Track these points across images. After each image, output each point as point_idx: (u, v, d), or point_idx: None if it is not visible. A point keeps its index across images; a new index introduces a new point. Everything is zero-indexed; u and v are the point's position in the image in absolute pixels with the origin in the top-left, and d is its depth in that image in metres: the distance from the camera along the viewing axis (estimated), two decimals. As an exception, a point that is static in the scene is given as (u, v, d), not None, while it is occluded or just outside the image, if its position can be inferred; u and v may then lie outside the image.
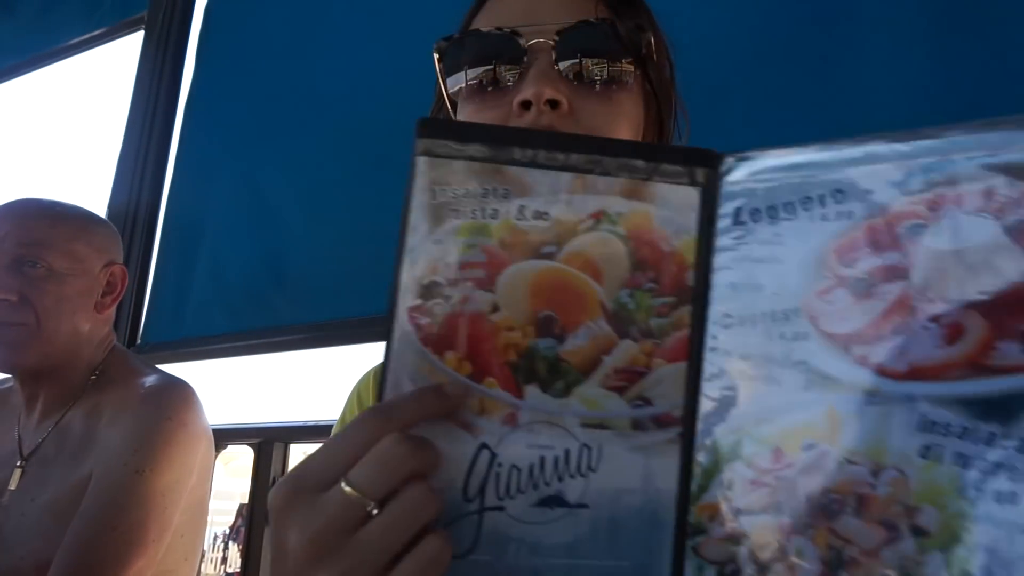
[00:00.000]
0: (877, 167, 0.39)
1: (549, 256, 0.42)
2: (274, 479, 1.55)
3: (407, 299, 0.42)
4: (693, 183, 0.44)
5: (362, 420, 0.40)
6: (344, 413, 0.75)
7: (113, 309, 1.26)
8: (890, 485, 0.36)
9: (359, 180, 1.65)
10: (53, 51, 2.49)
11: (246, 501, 1.60)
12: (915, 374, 0.36)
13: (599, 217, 0.43)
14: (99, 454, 1.09)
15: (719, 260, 0.42)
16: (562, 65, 0.60)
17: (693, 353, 0.42)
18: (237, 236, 1.82)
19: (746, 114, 1.20)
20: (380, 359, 0.42)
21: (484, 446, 0.41)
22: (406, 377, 0.41)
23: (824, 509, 0.37)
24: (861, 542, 0.36)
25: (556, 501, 0.41)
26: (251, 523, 1.53)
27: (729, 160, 0.43)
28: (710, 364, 0.42)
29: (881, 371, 0.37)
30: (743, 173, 0.43)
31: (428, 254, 0.42)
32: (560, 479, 0.41)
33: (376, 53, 1.69)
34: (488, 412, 0.41)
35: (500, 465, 0.41)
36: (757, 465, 0.40)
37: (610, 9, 0.64)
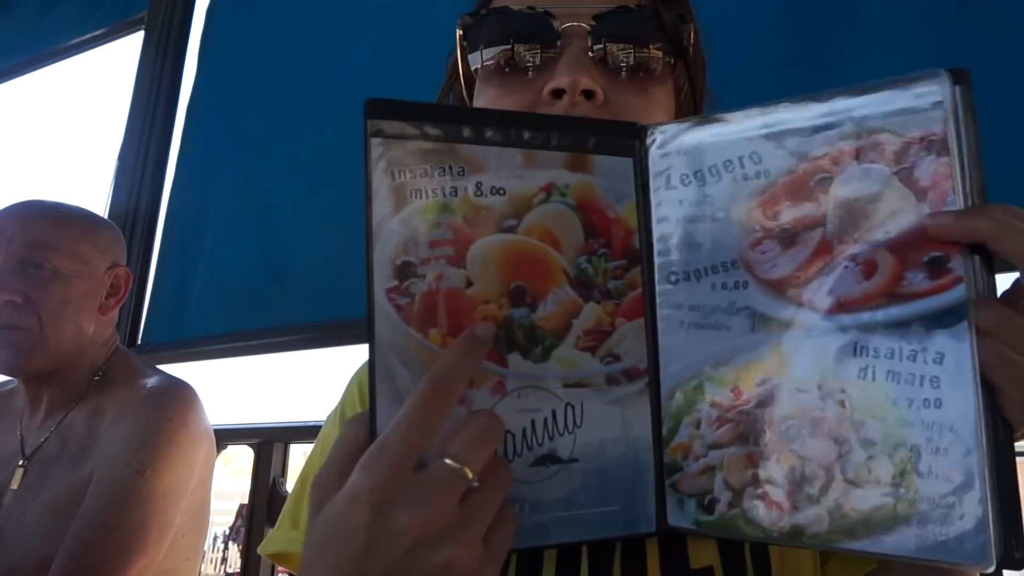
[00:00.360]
0: (785, 128, 0.44)
1: (511, 229, 0.44)
2: (274, 479, 1.54)
3: (383, 281, 0.42)
4: (626, 153, 0.48)
5: (431, 394, 0.39)
6: (343, 403, 0.72)
7: (116, 311, 1.27)
8: (837, 406, 0.41)
9: (359, 180, 1.64)
10: (53, 51, 2.48)
11: (246, 501, 1.60)
12: (843, 307, 0.42)
13: (549, 190, 0.45)
14: (100, 454, 1.10)
15: (658, 223, 0.47)
16: (597, 52, 0.57)
17: (648, 309, 0.47)
18: (237, 236, 1.82)
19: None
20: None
21: None
22: (395, 358, 0.42)
23: (783, 434, 0.43)
24: (820, 458, 0.42)
25: (550, 459, 0.44)
26: (251, 523, 1.53)
27: (654, 132, 0.48)
28: (662, 317, 0.47)
29: (814, 307, 0.42)
30: (668, 143, 0.48)
31: (396, 235, 0.43)
32: (551, 438, 0.44)
33: (376, 53, 1.69)
34: (477, 383, 0.43)
35: None
36: (720, 404, 0.45)
37: None
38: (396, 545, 0.37)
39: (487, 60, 0.59)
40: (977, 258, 0.40)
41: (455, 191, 0.44)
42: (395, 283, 0.42)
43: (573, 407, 0.44)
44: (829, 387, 0.41)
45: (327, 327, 1.62)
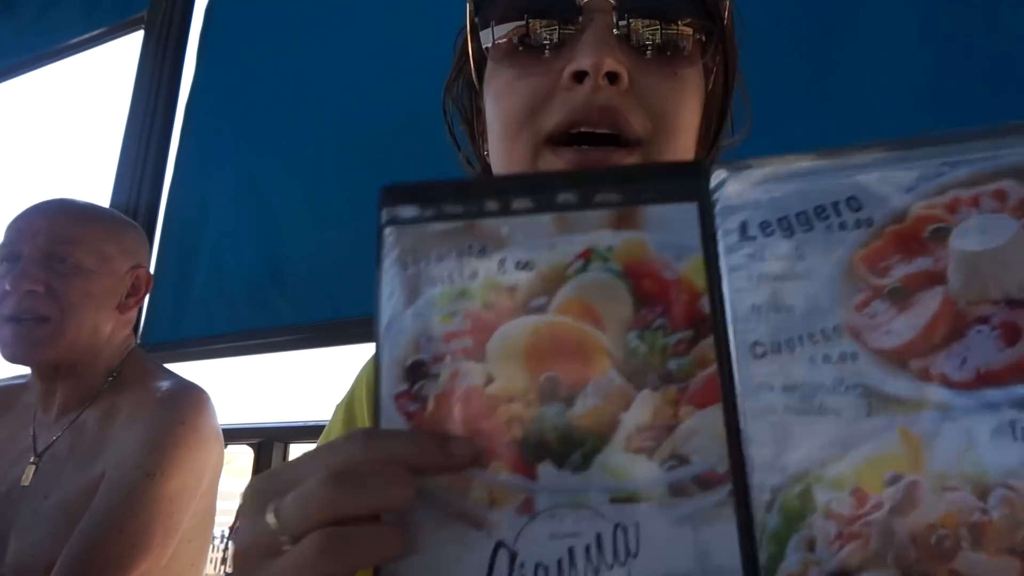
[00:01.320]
0: (886, 172, 0.37)
1: (540, 309, 0.37)
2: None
3: (391, 385, 0.37)
4: (687, 198, 0.38)
5: (344, 440, 0.35)
6: (352, 392, 0.71)
7: (135, 312, 1.29)
8: (1005, 506, 0.32)
9: (359, 180, 1.64)
10: (53, 50, 2.48)
11: (246, 501, 1.60)
12: (986, 380, 0.34)
13: (588, 256, 0.38)
14: (112, 455, 1.10)
15: (734, 281, 0.37)
16: (622, 29, 0.51)
17: (726, 393, 0.36)
18: (237, 236, 1.82)
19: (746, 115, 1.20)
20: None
21: (501, 544, 0.35)
22: None
23: (936, 549, 0.32)
24: None
25: None
26: (251, 523, 1.53)
27: (720, 171, 0.39)
28: (750, 402, 0.36)
29: (948, 382, 0.34)
30: (740, 184, 0.38)
31: (408, 331, 0.37)
32: (596, 572, 0.34)
33: (376, 53, 1.69)
34: (499, 502, 0.35)
35: (523, 566, 0.34)
36: (839, 514, 0.34)
37: None
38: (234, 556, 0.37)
39: (500, 38, 0.53)
40: None
41: (474, 274, 0.37)
42: (404, 387, 0.37)
43: (626, 529, 0.34)
44: (988, 482, 0.32)
45: (327, 327, 1.62)
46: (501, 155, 0.54)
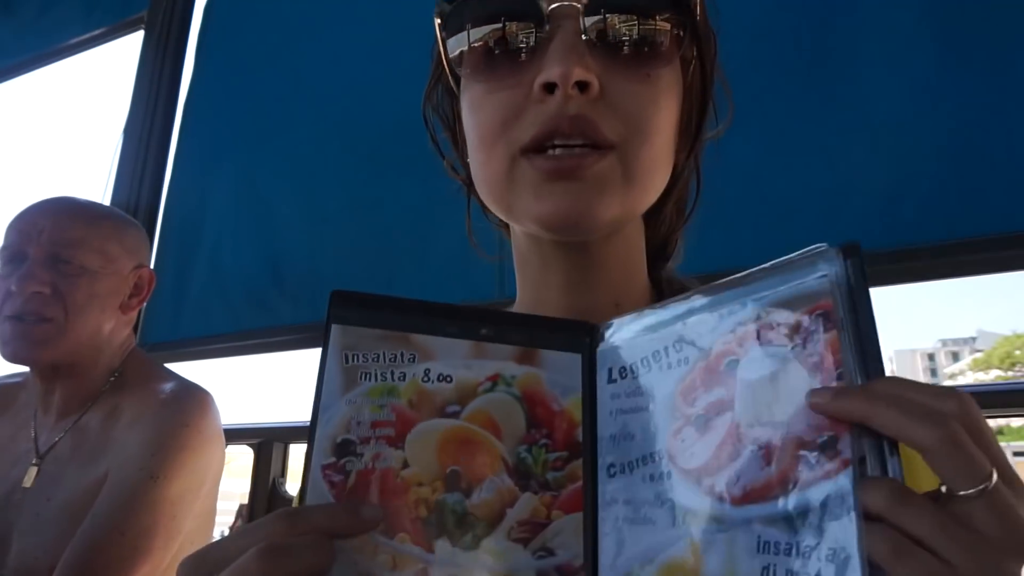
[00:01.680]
0: (700, 316, 0.44)
1: (453, 415, 0.45)
2: (274, 479, 1.55)
3: (320, 457, 0.43)
4: (576, 349, 0.48)
5: (272, 518, 0.39)
6: None
7: (136, 312, 1.28)
8: None
9: (358, 180, 1.65)
10: (53, 51, 2.48)
11: (246, 501, 1.60)
12: (748, 497, 0.39)
13: (495, 379, 0.46)
14: (115, 456, 1.10)
15: (601, 416, 0.46)
16: (591, 31, 0.50)
17: (587, 503, 0.45)
18: (237, 236, 1.82)
19: (746, 115, 1.20)
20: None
21: None
22: None
23: None
24: None
25: None
26: (251, 523, 1.52)
27: (606, 327, 0.48)
28: (603, 512, 0.44)
29: (723, 498, 0.40)
30: (615, 338, 0.48)
31: (341, 414, 0.44)
32: None
33: (376, 52, 1.69)
34: (400, 567, 0.42)
35: None
36: None
37: None
38: None
39: (471, 46, 0.53)
40: (879, 439, 0.36)
41: (403, 376, 0.45)
42: (332, 459, 0.43)
43: None
44: None
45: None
46: (479, 166, 0.55)
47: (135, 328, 1.91)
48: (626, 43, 0.51)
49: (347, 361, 0.45)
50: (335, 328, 0.46)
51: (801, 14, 1.23)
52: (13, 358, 1.17)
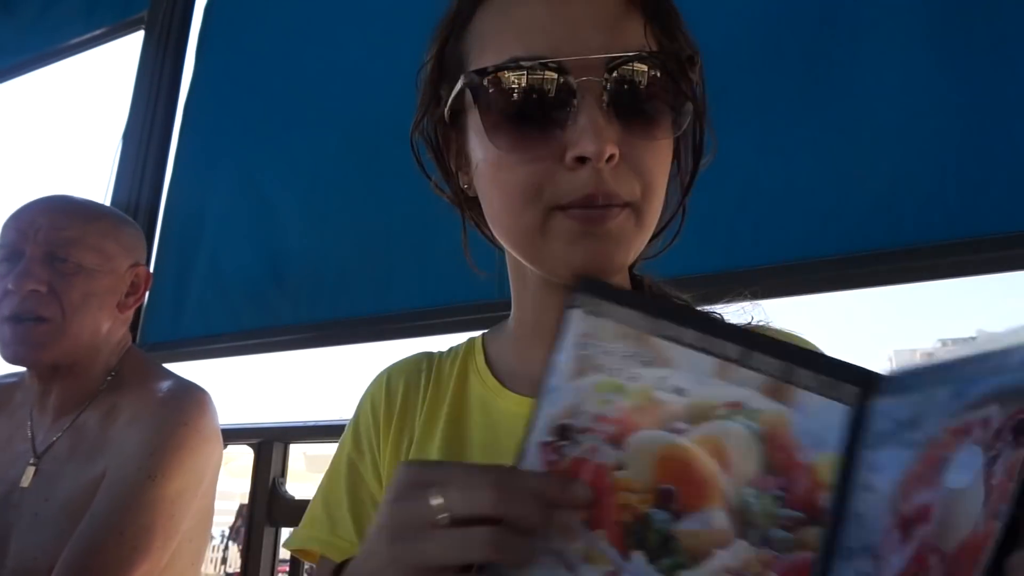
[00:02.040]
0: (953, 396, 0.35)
1: (679, 432, 0.42)
2: (274, 479, 1.54)
3: (540, 434, 0.44)
4: (843, 400, 0.40)
5: (494, 469, 0.43)
6: (356, 416, 0.74)
7: (132, 311, 1.28)
8: None
9: (359, 180, 1.64)
10: (53, 50, 2.48)
11: (246, 501, 1.59)
12: None
13: (737, 407, 0.42)
14: (113, 455, 1.10)
15: (865, 491, 0.38)
16: (611, 106, 0.55)
17: None
18: (237, 236, 1.82)
19: (747, 115, 1.20)
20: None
21: None
22: None
23: None
24: None
25: None
26: (251, 523, 1.52)
27: (888, 386, 0.39)
28: None
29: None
30: (902, 396, 0.38)
31: (568, 398, 0.44)
32: None
33: (376, 52, 1.69)
34: (592, 561, 0.41)
35: None
36: None
37: (654, 29, 0.57)
38: (377, 529, 0.47)
39: (494, 118, 0.57)
40: None
41: (636, 377, 0.44)
42: (551, 439, 0.44)
43: None
44: None
45: (327, 327, 1.62)
46: (507, 220, 0.59)
47: (135, 327, 1.92)
48: (641, 113, 0.56)
49: (583, 348, 0.45)
50: (576, 313, 0.46)
51: (802, 14, 1.23)
52: (13, 359, 1.17)
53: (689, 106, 0.59)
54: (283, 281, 1.71)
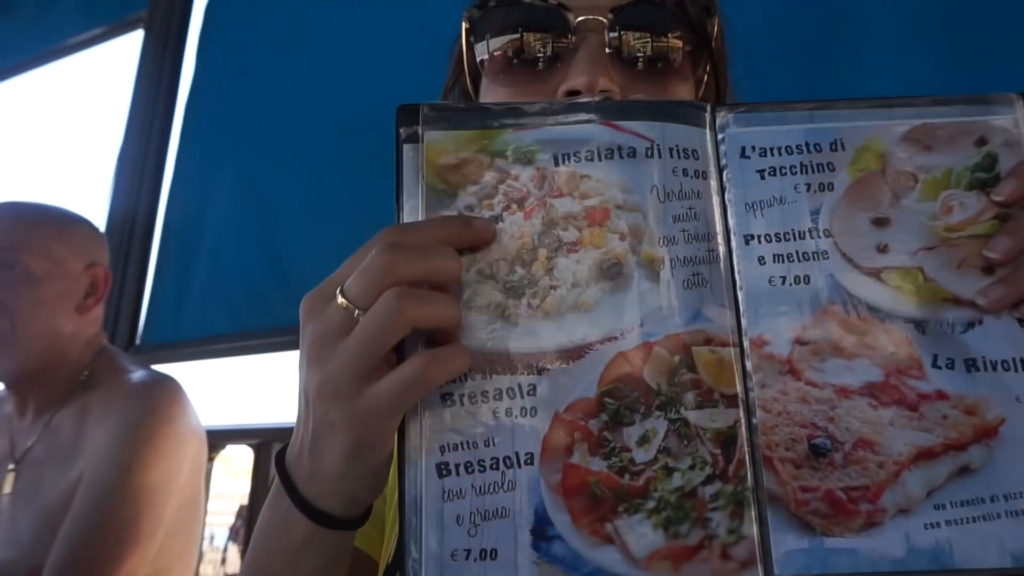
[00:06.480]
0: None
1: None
2: (273, 479, 1.54)
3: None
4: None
5: (383, 234, 0.41)
6: None
7: (99, 310, 1.25)
8: None
9: (359, 180, 1.64)
10: (52, 50, 2.48)
11: (246, 502, 1.59)
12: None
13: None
14: (88, 454, 1.09)
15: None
16: (614, 45, 0.53)
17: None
18: (237, 236, 1.82)
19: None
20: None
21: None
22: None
23: None
24: None
25: None
26: (251, 524, 1.52)
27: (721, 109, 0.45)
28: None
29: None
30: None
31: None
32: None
33: (376, 52, 1.68)
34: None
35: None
36: None
37: None
38: (303, 359, 0.42)
39: (494, 51, 0.55)
40: None
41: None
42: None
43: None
44: None
45: (327, 327, 1.62)
46: None
47: (134, 328, 1.92)
48: (645, 57, 0.53)
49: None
50: (408, 148, 0.48)
51: (803, 14, 1.23)
52: None
53: (704, 57, 0.56)
54: (283, 282, 1.71)
